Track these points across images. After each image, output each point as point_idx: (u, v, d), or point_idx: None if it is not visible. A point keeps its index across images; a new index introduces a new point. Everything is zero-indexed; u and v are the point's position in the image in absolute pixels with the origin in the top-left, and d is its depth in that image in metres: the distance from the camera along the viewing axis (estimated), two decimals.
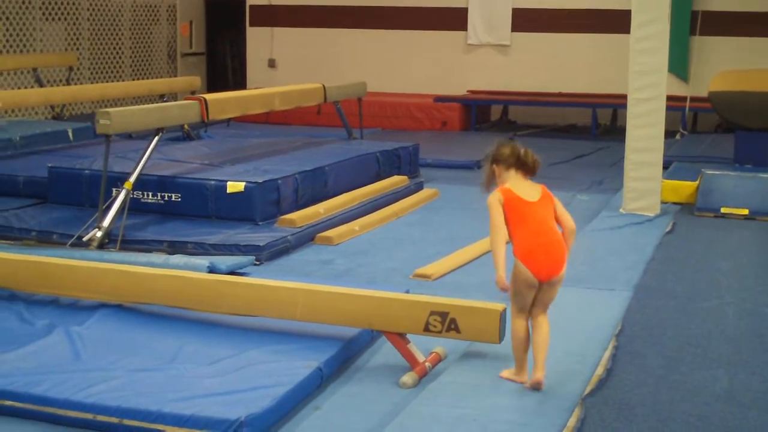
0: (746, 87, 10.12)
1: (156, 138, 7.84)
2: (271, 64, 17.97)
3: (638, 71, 8.42)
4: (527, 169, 4.55)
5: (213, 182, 7.79)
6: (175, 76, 17.70)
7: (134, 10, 17.00)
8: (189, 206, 7.81)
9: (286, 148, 10.02)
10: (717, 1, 15.16)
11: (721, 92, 10.19)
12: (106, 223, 7.16)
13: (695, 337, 5.23)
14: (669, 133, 9.91)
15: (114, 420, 4.02)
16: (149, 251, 6.93)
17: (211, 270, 5.90)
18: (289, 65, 17.69)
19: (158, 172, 8.06)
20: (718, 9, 15.12)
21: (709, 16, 14.88)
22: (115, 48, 16.57)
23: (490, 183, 4.62)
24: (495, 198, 4.47)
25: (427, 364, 4.75)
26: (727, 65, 12.75)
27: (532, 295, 4.44)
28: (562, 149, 13.32)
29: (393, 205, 9.00)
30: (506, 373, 4.58)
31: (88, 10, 15.81)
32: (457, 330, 4.67)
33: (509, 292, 4.50)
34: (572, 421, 4.03)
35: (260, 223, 7.65)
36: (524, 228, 4.43)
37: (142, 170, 7.61)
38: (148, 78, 17.12)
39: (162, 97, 12.45)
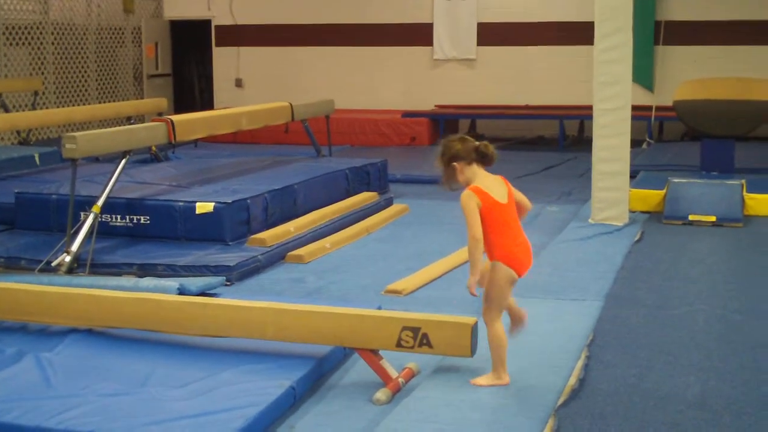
0: (710, 95, 10.21)
1: (123, 161, 7.81)
2: (238, 83, 17.96)
3: (603, 82, 8.47)
4: (488, 161, 4.63)
5: (182, 203, 7.77)
6: (142, 98, 17.64)
7: (99, 33, 16.94)
8: (158, 228, 7.78)
9: (255, 167, 10.01)
10: (680, 11, 15.31)
11: (685, 101, 10.27)
12: (74, 247, 7.12)
13: (666, 344, 5.25)
14: (635, 143, 9.99)
15: None
16: (119, 274, 6.90)
17: (181, 292, 5.87)
18: (256, 84, 17.69)
19: (126, 194, 8.03)
20: (680, 18, 15.27)
21: (672, 25, 15.03)
22: (80, 71, 16.50)
23: (451, 181, 4.63)
24: (471, 201, 4.49)
25: (400, 379, 4.75)
26: (691, 74, 12.90)
27: (511, 291, 4.59)
28: (531, 161, 13.38)
29: (363, 221, 9.00)
30: (484, 379, 4.58)
31: (52, 34, 15.74)
32: (429, 345, 4.67)
33: (488, 297, 4.55)
34: None
35: (230, 243, 7.62)
36: (504, 233, 4.53)
37: (110, 193, 7.57)
38: (114, 101, 17.05)
39: (129, 120, 12.43)
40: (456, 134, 4.74)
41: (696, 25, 15.36)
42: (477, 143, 4.60)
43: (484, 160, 4.61)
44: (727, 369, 4.86)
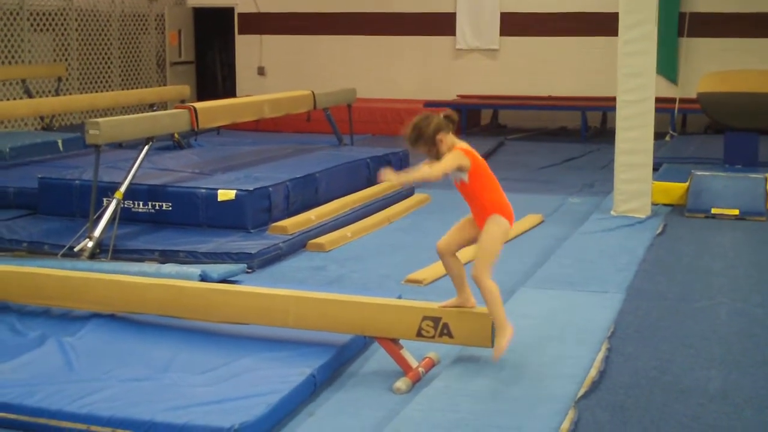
0: (734, 88, 10.15)
1: (146, 147, 7.84)
2: (261, 71, 17.97)
3: (627, 73, 8.43)
4: (455, 126, 4.73)
5: (204, 191, 7.79)
6: (165, 85, 17.69)
7: (123, 20, 16.99)
8: (180, 215, 7.80)
9: (277, 155, 10.02)
10: (704, 3, 15.22)
11: (709, 93, 10.21)
12: (97, 233, 7.15)
13: (688, 337, 5.23)
14: (658, 135, 9.93)
15: (107, 430, 4.01)
16: (141, 260, 6.92)
17: (203, 278, 5.89)
18: (279, 72, 17.70)
19: (149, 181, 8.05)
20: (705, 10, 15.18)
21: (697, 17, 14.93)
22: (104, 58, 16.56)
23: (438, 154, 4.65)
24: (461, 159, 4.61)
25: (420, 369, 4.75)
26: (716, 66, 12.81)
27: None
28: (553, 152, 13.34)
29: (384, 210, 9.00)
30: (498, 344, 4.62)
31: (76, 20, 15.80)
32: (449, 335, 4.68)
33: (484, 250, 4.64)
34: (566, 424, 4.02)
35: (252, 230, 7.64)
36: (495, 188, 4.73)
37: (132, 180, 7.60)
38: (137, 87, 17.10)
39: (152, 107, 12.44)
40: (416, 117, 4.70)
41: (721, 17, 15.26)
42: (441, 114, 4.68)
43: (453, 125, 4.69)
44: (749, 363, 4.84)
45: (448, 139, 4.66)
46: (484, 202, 4.68)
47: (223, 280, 6.09)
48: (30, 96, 13.55)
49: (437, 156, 4.65)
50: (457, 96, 16.62)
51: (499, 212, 4.66)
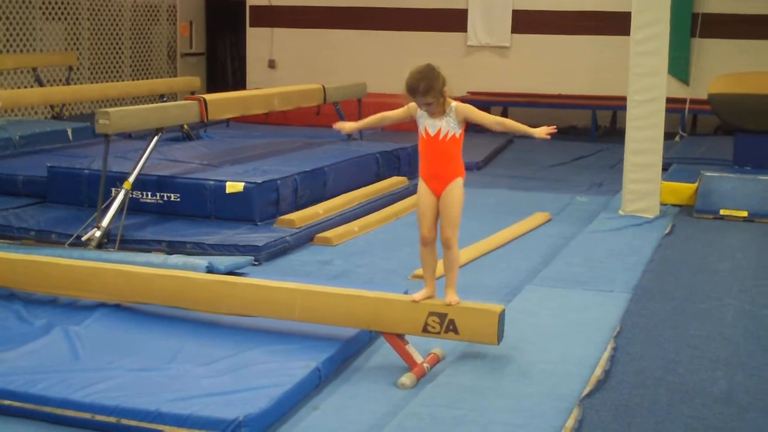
0: (746, 89, 10.12)
1: (155, 138, 7.84)
2: (271, 64, 17.97)
3: (638, 73, 8.41)
4: None
5: (212, 182, 7.79)
6: (175, 76, 17.71)
7: (134, 10, 17.00)
8: (188, 206, 7.81)
9: (286, 148, 10.02)
10: (717, 3, 15.16)
11: (720, 94, 10.18)
12: (105, 222, 7.16)
13: (693, 338, 5.22)
14: (668, 135, 9.92)
15: (112, 420, 4.02)
16: (148, 251, 6.93)
17: (210, 270, 5.89)
18: (289, 66, 17.68)
19: (157, 172, 8.06)
20: (718, 11, 15.12)
21: (710, 18, 14.87)
22: (115, 48, 16.57)
23: (443, 108, 4.80)
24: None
25: (425, 365, 4.75)
26: (727, 67, 12.76)
27: None
28: (562, 151, 13.32)
29: (392, 206, 9.00)
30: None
31: (88, 9, 15.81)
32: (455, 331, 4.68)
33: (455, 216, 4.78)
34: (570, 423, 4.02)
35: (259, 223, 7.65)
36: None
37: (141, 170, 7.61)
38: (147, 78, 17.12)
39: (162, 97, 12.46)
40: (419, 66, 4.80)
41: (733, 18, 15.21)
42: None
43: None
44: (755, 364, 4.83)
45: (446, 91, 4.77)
46: (456, 163, 4.78)
47: (230, 272, 6.09)
48: (41, 84, 13.58)
49: (441, 108, 4.74)
50: (468, 93, 16.59)
51: (462, 175, 4.79)
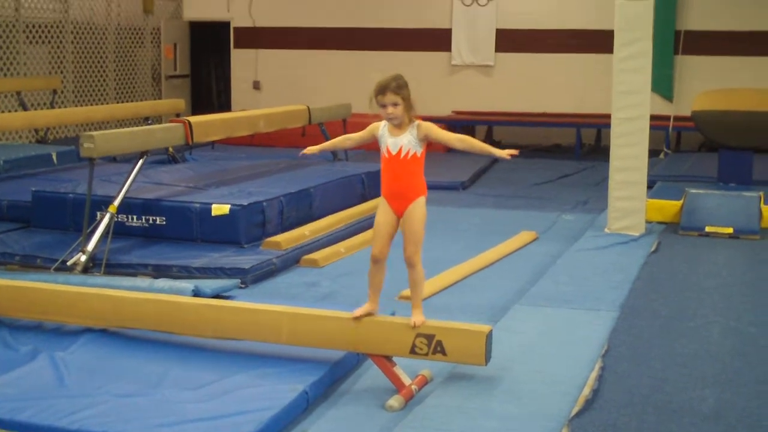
0: (729, 106, 10.17)
1: (140, 161, 7.82)
2: (256, 86, 17.99)
3: (622, 91, 8.44)
4: None
5: (198, 205, 7.78)
6: (160, 98, 17.70)
7: (118, 33, 17.00)
8: (174, 229, 7.79)
9: (271, 170, 10.02)
10: (700, 21, 15.26)
11: (704, 111, 10.23)
12: (90, 247, 7.13)
13: (681, 356, 5.23)
14: (653, 153, 9.95)
15: None
16: (134, 275, 6.91)
17: (196, 294, 5.86)
18: (274, 87, 17.71)
19: (143, 195, 8.04)
20: (701, 28, 15.22)
21: (693, 35, 14.97)
22: (99, 71, 16.56)
23: (407, 114, 4.90)
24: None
25: (413, 386, 4.74)
26: (711, 84, 12.84)
27: None
28: (547, 169, 13.36)
29: None
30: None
31: (72, 33, 15.81)
32: (443, 352, 4.67)
33: (419, 235, 4.90)
34: None
35: (245, 245, 7.63)
36: None
37: (126, 193, 7.59)
38: (132, 101, 17.11)
39: (146, 120, 12.45)
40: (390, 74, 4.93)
41: (716, 35, 15.31)
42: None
43: None
44: (742, 382, 4.84)
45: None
46: (418, 182, 4.82)
47: (217, 296, 6.07)
48: (25, 108, 13.55)
49: (406, 113, 4.82)
50: (452, 112, 16.64)
51: (424, 194, 4.83)
